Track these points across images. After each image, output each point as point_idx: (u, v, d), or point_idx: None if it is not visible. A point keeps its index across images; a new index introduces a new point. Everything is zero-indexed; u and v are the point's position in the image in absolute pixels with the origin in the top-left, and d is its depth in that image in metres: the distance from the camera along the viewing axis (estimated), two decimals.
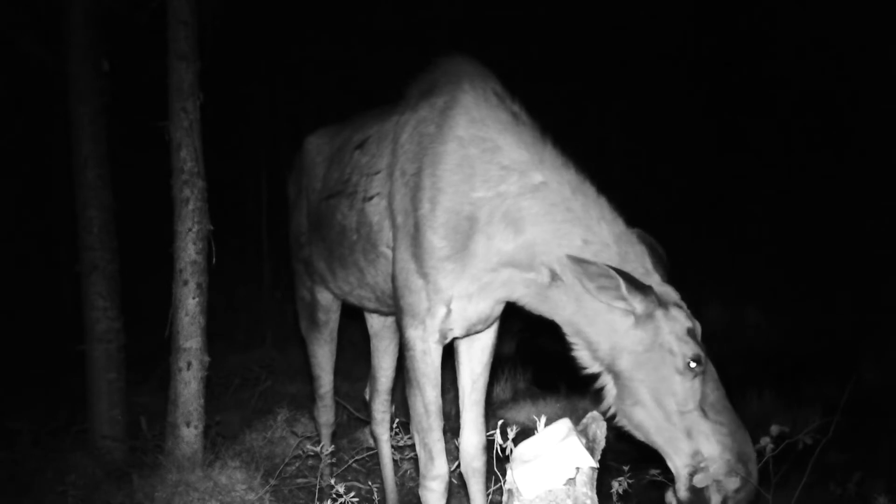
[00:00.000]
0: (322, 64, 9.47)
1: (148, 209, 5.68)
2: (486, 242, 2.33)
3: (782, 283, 9.27)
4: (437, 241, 2.34)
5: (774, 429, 2.64)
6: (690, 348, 2.17)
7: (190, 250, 3.68)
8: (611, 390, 2.31)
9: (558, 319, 2.36)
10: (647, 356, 2.20)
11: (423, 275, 2.38)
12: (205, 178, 3.74)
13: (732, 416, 2.21)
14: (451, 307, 2.41)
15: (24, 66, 5.97)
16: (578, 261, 2.17)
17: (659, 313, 2.19)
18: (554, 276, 2.28)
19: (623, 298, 2.14)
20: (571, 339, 2.35)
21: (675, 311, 2.22)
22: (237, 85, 8.57)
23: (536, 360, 6.29)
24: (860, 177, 10.17)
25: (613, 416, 2.31)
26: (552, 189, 2.28)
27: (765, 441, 2.59)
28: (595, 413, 2.21)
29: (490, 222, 2.31)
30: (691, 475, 2.19)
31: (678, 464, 2.22)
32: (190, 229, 3.67)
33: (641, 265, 2.27)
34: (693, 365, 2.16)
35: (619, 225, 2.31)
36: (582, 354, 2.34)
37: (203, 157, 3.74)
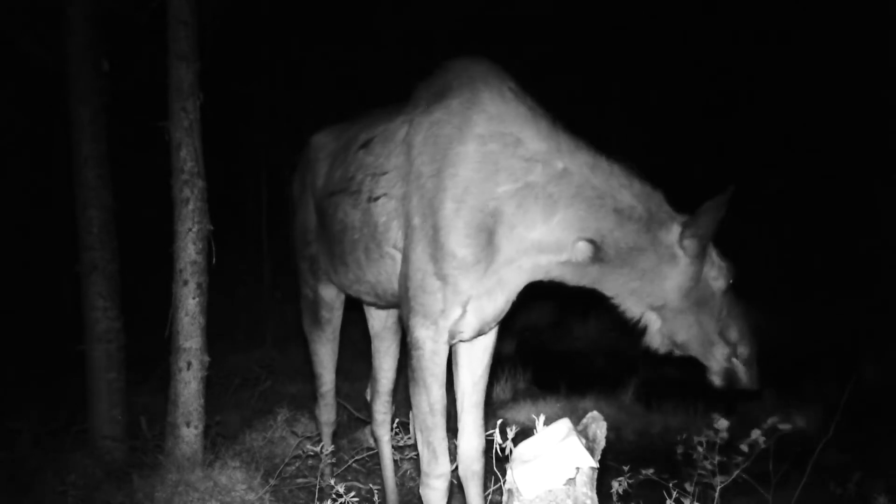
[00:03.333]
0: (322, 64, 9.46)
1: (148, 209, 5.68)
2: (508, 234, 2.36)
3: (782, 283, 9.25)
4: (460, 240, 2.34)
5: (780, 425, 2.72)
6: (728, 266, 2.47)
7: (190, 250, 3.68)
8: (654, 324, 2.51)
9: (602, 287, 2.49)
10: (698, 285, 2.43)
11: (442, 276, 2.37)
12: (205, 178, 3.74)
13: (741, 306, 2.53)
14: (468, 308, 2.43)
15: (24, 66, 5.97)
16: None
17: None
18: (596, 251, 2.37)
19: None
20: (617, 300, 2.50)
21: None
22: (237, 85, 8.56)
23: (536, 360, 6.29)
24: (860, 177, 10.16)
25: (653, 349, 2.54)
26: (574, 172, 2.37)
27: (755, 433, 2.66)
28: (595, 413, 2.22)
29: (515, 213, 2.35)
30: (728, 364, 2.50)
31: (717, 359, 2.50)
32: (190, 229, 3.67)
33: (665, 211, 2.44)
34: (732, 280, 2.47)
35: (636, 184, 2.43)
36: (629, 307, 2.50)
37: (203, 157, 3.73)
